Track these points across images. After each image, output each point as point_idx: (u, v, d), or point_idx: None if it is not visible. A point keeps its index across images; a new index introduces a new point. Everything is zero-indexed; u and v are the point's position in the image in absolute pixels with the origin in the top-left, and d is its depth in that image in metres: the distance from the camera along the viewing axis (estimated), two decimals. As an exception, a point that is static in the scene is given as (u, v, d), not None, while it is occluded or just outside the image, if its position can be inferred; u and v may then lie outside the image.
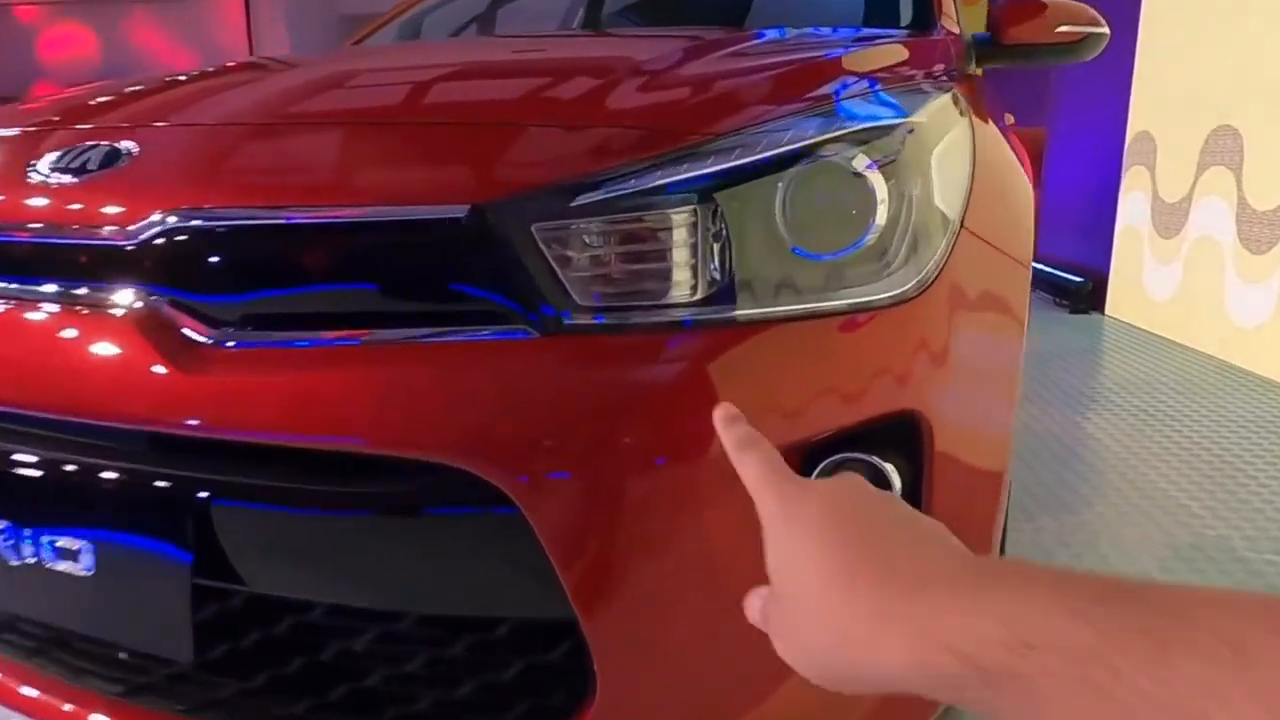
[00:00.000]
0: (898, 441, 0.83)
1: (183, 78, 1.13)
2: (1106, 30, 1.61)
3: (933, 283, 0.83)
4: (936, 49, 1.34)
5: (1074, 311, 4.65)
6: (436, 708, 0.80)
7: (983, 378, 0.93)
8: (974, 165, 0.96)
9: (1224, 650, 0.22)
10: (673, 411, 0.74)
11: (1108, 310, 4.56)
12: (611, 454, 0.72)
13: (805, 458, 0.81)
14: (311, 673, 0.82)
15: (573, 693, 0.77)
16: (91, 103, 1.04)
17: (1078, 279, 4.71)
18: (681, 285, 0.76)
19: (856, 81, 0.94)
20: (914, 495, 0.84)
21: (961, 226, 0.89)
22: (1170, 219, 4.01)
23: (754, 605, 0.41)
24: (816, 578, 0.35)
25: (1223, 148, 3.60)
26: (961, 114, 1.01)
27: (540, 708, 0.79)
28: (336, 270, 0.79)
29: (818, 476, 0.82)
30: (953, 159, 0.92)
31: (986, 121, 1.15)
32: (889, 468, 0.81)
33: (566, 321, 0.74)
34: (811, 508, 0.38)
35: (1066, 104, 5.24)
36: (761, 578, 0.40)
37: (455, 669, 0.79)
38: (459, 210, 0.73)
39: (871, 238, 0.80)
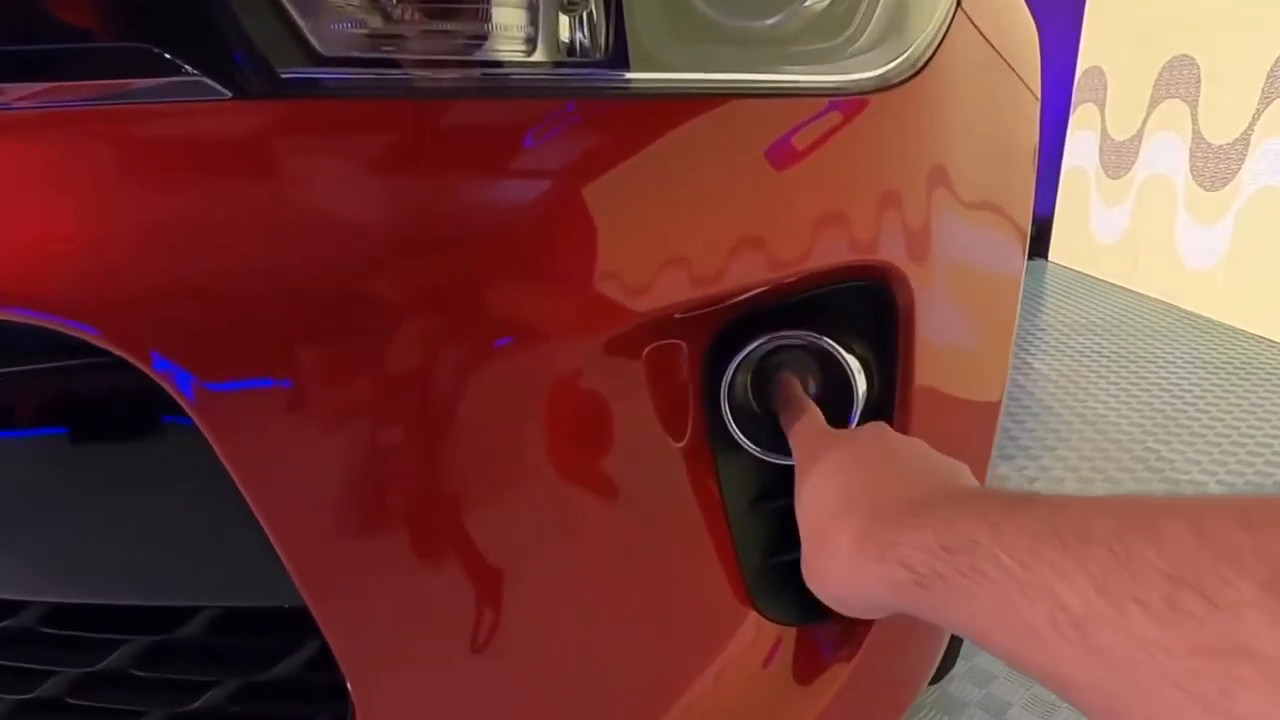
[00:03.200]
0: (862, 318, 0.54)
1: None
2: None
3: (920, 70, 0.53)
4: None
5: (1017, 257, 4.48)
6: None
7: (982, 243, 0.63)
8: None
9: (1074, 538, 0.25)
10: (498, 250, 0.43)
11: (1051, 256, 4.40)
12: (382, 319, 0.41)
13: (724, 338, 0.51)
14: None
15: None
16: None
17: (1021, 224, 4.54)
18: (510, 31, 0.44)
19: None
20: (887, 407, 0.55)
21: (958, 7, 0.59)
22: (1119, 158, 3.83)
23: None
24: (824, 511, 0.39)
25: (1179, 79, 3.40)
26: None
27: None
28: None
29: (739, 367, 0.52)
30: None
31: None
32: (850, 360, 0.52)
33: (292, 75, 0.41)
34: (834, 453, 0.42)
35: (1013, 42, 5.02)
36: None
37: (116, 683, 0.46)
38: None
39: (825, -8, 0.49)
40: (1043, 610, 0.25)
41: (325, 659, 0.43)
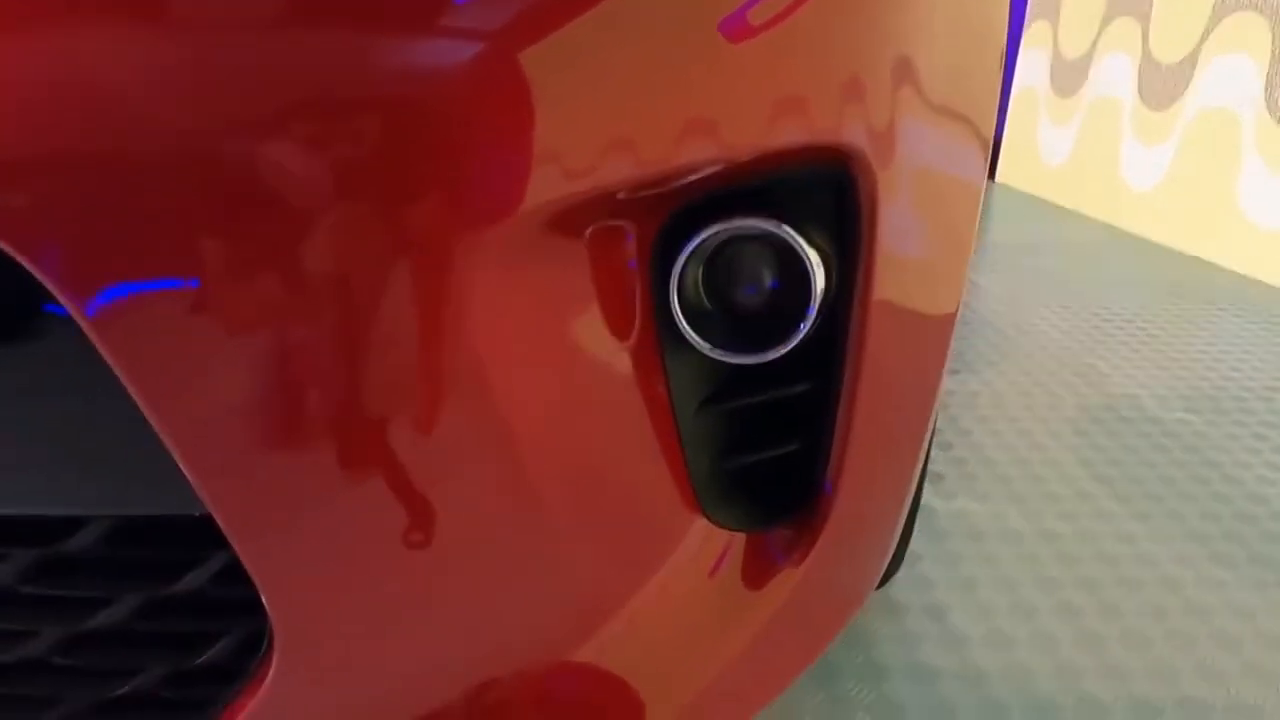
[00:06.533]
0: (823, 210, 0.50)
1: None
2: None
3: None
4: None
5: (965, 178, 4.49)
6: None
7: (945, 137, 0.59)
8: None
9: None
10: (427, 120, 0.38)
11: (999, 177, 4.41)
12: (294, 199, 0.36)
13: (675, 226, 0.47)
14: None
15: (240, 645, 0.42)
16: None
17: (970, 144, 4.53)
18: None
19: None
20: (844, 307, 0.52)
21: None
22: (1069, 77, 3.82)
23: None
24: None
25: (1132, -5, 3.37)
26: None
27: (182, 674, 0.43)
28: None
29: (691, 259, 0.48)
30: None
31: None
32: (811, 253, 0.48)
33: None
34: None
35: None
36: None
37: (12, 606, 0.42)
38: None
39: None
40: None
41: (237, 571, 0.39)
